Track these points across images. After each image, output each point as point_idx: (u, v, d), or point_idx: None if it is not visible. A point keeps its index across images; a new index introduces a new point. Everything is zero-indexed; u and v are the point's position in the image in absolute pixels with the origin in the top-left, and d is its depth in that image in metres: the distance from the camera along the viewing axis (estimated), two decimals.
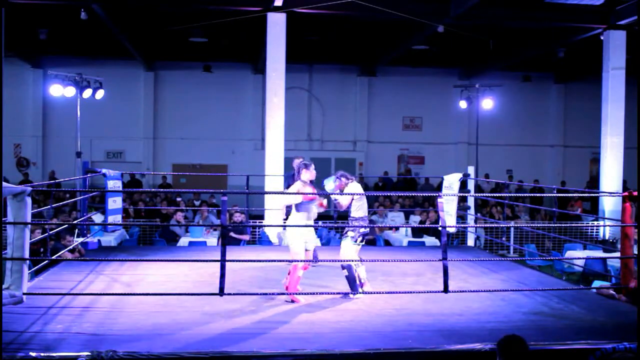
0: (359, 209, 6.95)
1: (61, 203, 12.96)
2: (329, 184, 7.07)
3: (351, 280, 6.86)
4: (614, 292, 7.11)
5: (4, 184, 5.62)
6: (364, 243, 7.03)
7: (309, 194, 6.95)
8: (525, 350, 4.14)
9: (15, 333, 5.27)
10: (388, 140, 22.48)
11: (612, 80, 14.43)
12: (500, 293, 7.15)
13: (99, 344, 4.99)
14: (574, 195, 16.76)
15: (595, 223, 14.55)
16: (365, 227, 6.89)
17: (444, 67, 21.79)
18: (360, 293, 6.79)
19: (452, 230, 11.22)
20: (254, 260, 7.95)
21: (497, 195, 14.38)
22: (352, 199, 6.91)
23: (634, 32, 14.29)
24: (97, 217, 12.28)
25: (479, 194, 13.10)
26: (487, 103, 17.10)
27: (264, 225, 12.85)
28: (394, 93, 22.34)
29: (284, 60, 13.31)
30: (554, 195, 10.47)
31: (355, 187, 7.04)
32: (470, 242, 11.67)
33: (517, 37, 17.32)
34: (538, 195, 18.93)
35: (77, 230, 10.32)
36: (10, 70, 19.37)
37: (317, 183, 7.37)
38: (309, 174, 7.17)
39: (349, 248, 6.91)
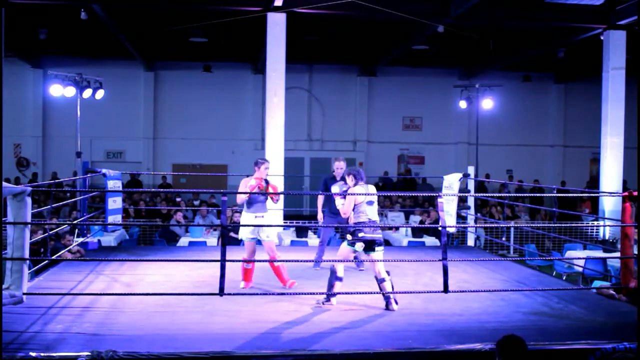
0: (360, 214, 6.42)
1: (61, 203, 12.98)
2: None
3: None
4: (614, 292, 7.11)
5: (4, 184, 5.62)
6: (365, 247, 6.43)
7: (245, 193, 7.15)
8: (524, 350, 4.14)
9: (15, 333, 5.27)
10: (388, 140, 22.47)
11: (612, 80, 14.43)
12: (500, 293, 7.15)
13: (99, 344, 4.98)
14: (582, 195, 16.76)
15: (595, 223, 14.55)
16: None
17: (444, 67, 21.78)
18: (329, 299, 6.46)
19: (452, 230, 11.22)
20: (254, 260, 7.94)
21: (497, 195, 14.38)
22: (355, 206, 6.42)
23: (634, 32, 14.29)
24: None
25: (480, 194, 13.12)
26: (487, 103, 17.09)
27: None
28: (394, 93, 22.32)
29: (284, 60, 13.31)
30: (555, 195, 10.47)
31: (358, 191, 6.47)
32: (470, 242, 11.66)
33: (517, 37, 17.31)
34: (538, 195, 18.94)
35: (77, 230, 10.32)
36: (10, 70, 19.35)
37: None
38: (258, 172, 7.42)
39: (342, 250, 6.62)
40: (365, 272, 8.42)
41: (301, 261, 8.00)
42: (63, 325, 5.60)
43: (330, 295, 6.45)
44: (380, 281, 6.44)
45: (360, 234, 6.32)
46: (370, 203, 6.48)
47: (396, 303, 6.40)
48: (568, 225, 12.76)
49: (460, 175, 11.07)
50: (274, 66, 13.33)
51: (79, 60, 19.49)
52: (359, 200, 6.44)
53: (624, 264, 7.20)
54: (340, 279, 6.49)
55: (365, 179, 6.65)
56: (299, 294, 6.79)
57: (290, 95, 14.96)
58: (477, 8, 13.34)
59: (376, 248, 6.39)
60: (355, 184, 6.54)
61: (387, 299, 6.39)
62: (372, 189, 6.59)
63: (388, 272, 6.52)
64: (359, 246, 6.36)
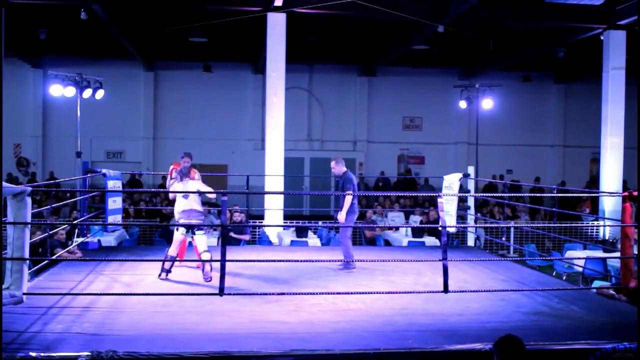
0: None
1: (61, 203, 12.97)
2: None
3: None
4: (614, 292, 7.11)
5: (4, 184, 5.62)
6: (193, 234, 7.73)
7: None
8: (522, 350, 4.13)
9: (15, 333, 5.27)
10: (388, 140, 22.47)
11: (612, 80, 14.44)
12: (500, 293, 7.15)
13: (99, 344, 4.99)
14: (583, 195, 16.76)
15: (595, 223, 14.55)
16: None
17: (444, 67, 21.77)
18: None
19: (452, 230, 11.22)
20: (254, 260, 7.95)
21: (497, 195, 14.38)
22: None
23: (634, 32, 14.30)
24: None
25: (480, 194, 13.12)
26: (487, 103, 17.09)
27: (264, 225, 12.85)
28: (394, 93, 22.32)
29: (284, 60, 13.32)
30: (555, 195, 10.47)
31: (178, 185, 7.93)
32: (470, 242, 11.67)
33: (517, 37, 17.32)
34: (538, 195, 18.93)
35: (77, 230, 10.32)
36: (10, 70, 19.36)
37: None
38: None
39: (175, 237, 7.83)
40: (365, 272, 8.43)
41: (302, 261, 8.00)
42: (63, 325, 5.60)
43: (162, 270, 7.62)
44: (200, 255, 7.64)
45: (181, 220, 7.67)
46: (185, 197, 7.75)
47: (210, 280, 7.33)
48: (568, 225, 12.76)
49: (460, 175, 11.07)
50: (274, 66, 13.33)
51: (79, 60, 19.49)
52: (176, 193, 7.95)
53: (624, 264, 7.20)
54: (170, 257, 7.65)
55: (190, 178, 8.04)
56: (299, 294, 6.80)
57: (290, 95, 14.97)
58: (477, 8, 13.34)
59: (196, 231, 7.67)
60: (179, 180, 7.97)
61: (204, 271, 7.53)
62: (190, 184, 7.92)
63: (208, 250, 7.62)
64: (182, 230, 7.69)
